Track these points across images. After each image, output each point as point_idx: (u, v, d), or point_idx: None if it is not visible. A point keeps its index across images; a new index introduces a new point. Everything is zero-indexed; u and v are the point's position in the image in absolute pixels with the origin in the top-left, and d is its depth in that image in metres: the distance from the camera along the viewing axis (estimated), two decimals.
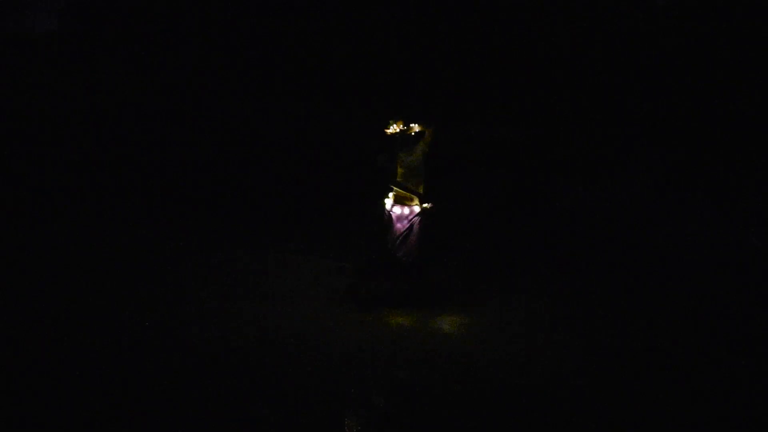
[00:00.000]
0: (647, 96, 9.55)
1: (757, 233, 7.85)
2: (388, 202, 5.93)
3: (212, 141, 10.94)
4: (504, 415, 4.20)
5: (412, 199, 5.89)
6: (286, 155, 10.56)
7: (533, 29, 10.19)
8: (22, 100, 11.55)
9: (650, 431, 4.12)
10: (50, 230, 8.06)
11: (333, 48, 11.05)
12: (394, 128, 5.92)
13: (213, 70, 11.62)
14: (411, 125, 5.93)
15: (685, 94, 9.35)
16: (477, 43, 10.40)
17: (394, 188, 5.93)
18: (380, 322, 5.63)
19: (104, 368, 4.54)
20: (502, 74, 10.30)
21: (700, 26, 9.41)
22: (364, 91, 10.73)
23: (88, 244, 7.50)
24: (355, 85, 10.83)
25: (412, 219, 5.87)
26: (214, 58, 11.65)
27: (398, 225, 5.89)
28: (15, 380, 4.35)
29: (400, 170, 5.91)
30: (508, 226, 8.74)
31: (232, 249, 7.64)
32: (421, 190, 5.93)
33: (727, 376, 4.84)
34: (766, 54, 9.21)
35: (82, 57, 12.17)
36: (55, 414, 3.99)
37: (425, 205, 5.90)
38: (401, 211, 5.88)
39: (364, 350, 5.00)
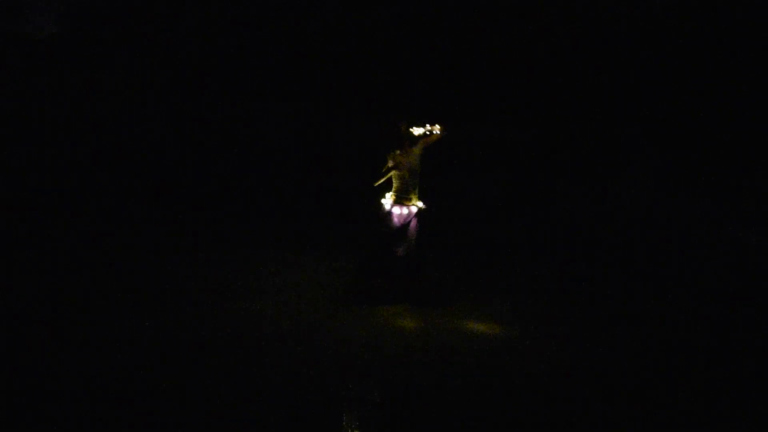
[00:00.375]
0: (648, 96, 9.55)
1: (756, 230, 7.86)
2: (387, 202, 5.95)
3: (213, 142, 10.96)
4: (504, 414, 4.19)
5: (410, 199, 5.91)
6: (286, 155, 10.58)
7: (534, 29, 10.20)
8: (24, 102, 11.57)
9: (650, 431, 4.11)
10: (54, 231, 8.08)
11: (332, 48, 11.07)
12: (424, 129, 5.93)
13: (214, 71, 11.64)
14: (434, 126, 5.93)
15: (686, 94, 9.35)
16: (477, 43, 10.41)
17: (393, 186, 5.93)
18: (381, 320, 5.64)
19: (103, 368, 4.55)
20: (502, 74, 10.31)
21: (700, 26, 9.42)
22: (363, 91, 10.74)
23: (92, 245, 7.52)
24: (355, 85, 10.85)
25: (409, 218, 5.90)
26: (215, 59, 11.66)
27: (396, 224, 5.92)
28: (15, 380, 4.35)
29: (396, 172, 5.90)
30: (509, 227, 8.75)
31: (233, 248, 7.65)
32: (416, 191, 5.95)
33: (728, 376, 4.83)
34: (766, 54, 9.22)
35: (83, 60, 12.19)
36: (58, 413, 3.99)
37: (420, 204, 5.93)
38: (400, 211, 5.90)
39: (366, 348, 5.00)
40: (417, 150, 5.93)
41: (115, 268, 6.77)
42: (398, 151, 5.89)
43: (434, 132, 5.90)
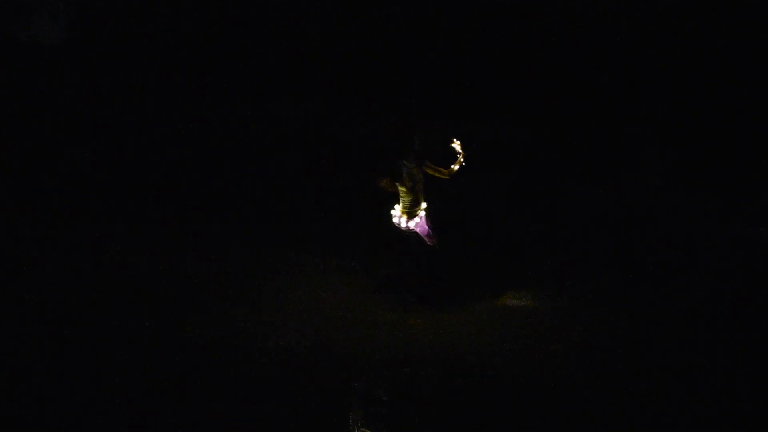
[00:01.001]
0: (652, 95, 9.56)
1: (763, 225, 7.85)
2: (402, 220, 5.94)
3: (222, 143, 10.96)
4: (506, 414, 4.20)
5: (418, 205, 5.91)
6: (293, 155, 10.58)
7: (534, 29, 10.21)
8: (30, 106, 11.57)
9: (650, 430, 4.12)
10: (64, 233, 8.08)
11: (343, 48, 11.08)
12: (460, 153, 6.00)
13: (223, 74, 11.61)
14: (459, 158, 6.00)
15: (688, 93, 9.36)
16: (479, 43, 10.41)
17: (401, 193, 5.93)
18: (386, 319, 5.65)
19: (103, 367, 4.55)
20: (504, 75, 10.32)
21: (702, 26, 9.42)
22: (363, 90, 10.75)
23: (111, 247, 7.55)
24: (357, 84, 10.85)
25: (422, 222, 5.92)
26: (224, 61, 11.64)
27: (422, 231, 5.92)
28: (16, 380, 4.35)
29: (408, 183, 5.87)
30: (515, 227, 8.73)
31: (240, 249, 7.65)
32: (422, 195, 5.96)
33: (732, 376, 4.84)
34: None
35: (91, 64, 12.17)
36: (58, 414, 3.99)
37: (423, 205, 5.96)
38: (414, 222, 5.91)
39: (371, 346, 5.01)
40: (426, 167, 5.94)
41: (124, 270, 6.79)
42: (413, 165, 5.85)
43: (458, 162, 5.94)
